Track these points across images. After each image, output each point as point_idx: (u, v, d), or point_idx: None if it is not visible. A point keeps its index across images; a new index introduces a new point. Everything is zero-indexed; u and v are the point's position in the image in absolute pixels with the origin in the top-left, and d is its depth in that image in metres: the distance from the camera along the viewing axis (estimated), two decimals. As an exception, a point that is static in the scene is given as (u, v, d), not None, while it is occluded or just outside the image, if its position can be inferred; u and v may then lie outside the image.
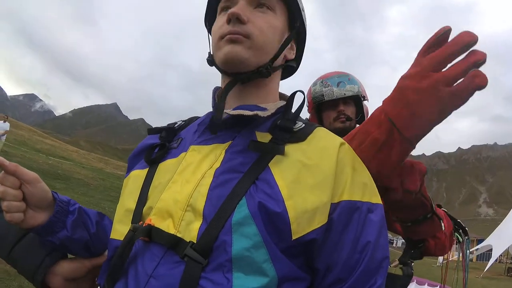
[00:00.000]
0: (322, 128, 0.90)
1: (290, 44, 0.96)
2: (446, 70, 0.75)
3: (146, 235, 0.76)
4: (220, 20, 0.90)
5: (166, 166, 0.89)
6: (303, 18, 0.98)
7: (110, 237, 0.89)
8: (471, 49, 0.72)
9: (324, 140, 0.84)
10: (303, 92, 0.92)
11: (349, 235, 0.75)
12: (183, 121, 1.06)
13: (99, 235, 0.99)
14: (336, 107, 1.81)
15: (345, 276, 0.74)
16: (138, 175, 0.94)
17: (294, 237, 0.71)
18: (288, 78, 1.08)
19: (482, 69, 0.68)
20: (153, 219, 0.78)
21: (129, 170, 1.01)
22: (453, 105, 0.75)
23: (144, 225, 0.78)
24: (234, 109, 0.86)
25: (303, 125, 0.87)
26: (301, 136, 0.83)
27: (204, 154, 0.85)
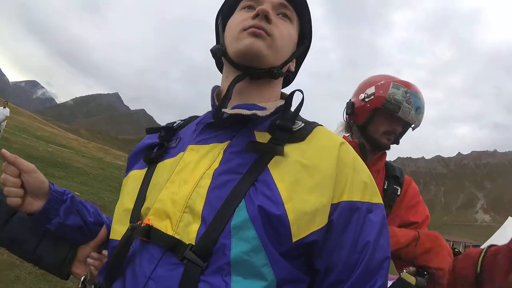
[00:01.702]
0: (322, 127, 0.90)
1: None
2: None
3: (144, 235, 0.77)
4: (244, 15, 0.91)
5: (164, 166, 0.90)
6: (311, 37, 1.03)
7: (110, 237, 0.92)
8: None
9: (323, 140, 0.84)
10: (301, 92, 0.92)
11: (348, 235, 0.76)
12: (182, 120, 1.08)
13: (97, 223, 1.08)
14: (396, 124, 1.69)
15: (345, 277, 0.74)
16: (137, 175, 0.96)
17: (294, 240, 0.71)
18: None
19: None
20: (151, 219, 0.79)
21: (128, 169, 1.04)
22: None
23: (142, 225, 0.79)
24: (233, 108, 0.86)
25: (303, 124, 0.87)
26: (300, 136, 0.83)
27: (202, 154, 0.84)
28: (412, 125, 1.71)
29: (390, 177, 1.75)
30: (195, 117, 1.07)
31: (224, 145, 0.84)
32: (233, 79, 0.89)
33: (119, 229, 0.87)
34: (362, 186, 0.80)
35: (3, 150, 0.94)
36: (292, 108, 0.93)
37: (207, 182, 0.78)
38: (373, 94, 1.69)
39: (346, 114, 1.86)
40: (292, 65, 1.01)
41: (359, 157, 0.87)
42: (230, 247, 0.69)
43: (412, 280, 1.27)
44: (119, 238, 0.83)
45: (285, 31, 0.91)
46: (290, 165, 0.77)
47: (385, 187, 1.73)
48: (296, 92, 0.93)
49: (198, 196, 0.76)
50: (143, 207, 0.84)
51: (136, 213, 0.84)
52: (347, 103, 1.86)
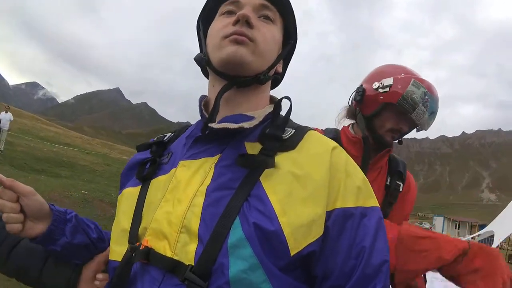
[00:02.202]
0: (314, 131, 0.88)
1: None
2: None
3: (144, 257, 0.76)
4: (224, 21, 0.88)
5: (158, 183, 0.89)
6: (297, 37, 0.99)
7: (109, 258, 0.91)
8: None
9: (315, 146, 0.83)
10: (289, 99, 0.90)
11: (344, 242, 0.75)
12: (172, 132, 1.05)
13: (100, 238, 1.06)
14: (404, 123, 1.57)
15: (342, 283, 0.74)
16: (131, 193, 0.94)
17: (292, 253, 0.71)
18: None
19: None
20: (149, 240, 0.78)
21: (122, 187, 1.02)
22: None
23: (141, 247, 0.78)
24: (220, 121, 0.85)
25: (293, 131, 0.86)
26: (291, 144, 0.82)
27: (194, 170, 0.83)
28: (418, 127, 1.60)
29: (394, 172, 1.65)
30: (186, 127, 1.05)
31: (215, 159, 0.83)
32: (219, 90, 0.86)
33: (118, 250, 0.87)
34: (356, 190, 0.79)
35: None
36: (283, 112, 0.92)
37: (200, 200, 0.76)
38: (389, 86, 1.52)
39: (354, 100, 1.68)
40: (279, 67, 0.98)
41: (351, 160, 0.86)
42: (228, 266, 0.69)
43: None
44: (119, 259, 0.83)
45: (268, 34, 0.88)
46: (282, 177, 0.76)
47: (388, 183, 1.63)
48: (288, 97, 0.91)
49: (193, 216, 0.75)
50: (140, 227, 0.84)
51: (134, 234, 0.84)
52: (358, 89, 1.67)
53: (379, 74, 1.62)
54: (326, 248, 0.75)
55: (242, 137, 0.85)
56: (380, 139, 1.60)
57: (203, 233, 0.73)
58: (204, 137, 0.86)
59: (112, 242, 0.91)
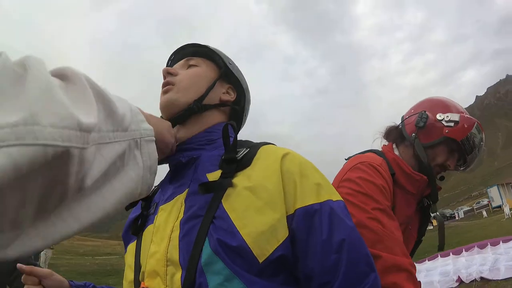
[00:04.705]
0: (267, 146, 0.93)
1: (226, 90, 1.08)
2: None
3: None
4: None
5: (147, 233, 0.95)
6: (229, 67, 1.08)
7: None
8: None
9: (266, 158, 0.87)
10: (232, 124, 0.94)
11: (316, 238, 0.77)
12: (156, 186, 1.11)
13: None
14: (454, 162, 1.55)
15: (330, 279, 0.76)
16: (131, 248, 1.01)
17: (261, 260, 0.74)
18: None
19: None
20: (146, 282, 0.85)
21: (125, 246, 1.09)
22: None
23: None
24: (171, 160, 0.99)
25: (247, 150, 0.90)
26: (246, 162, 0.87)
27: (169, 210, 0.90)
28: (458, 166, 1.62)
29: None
30: None
31: (184, 195, 0.89)
32: None
33: None
34: (315, 188, 0.82)
35: (19, 264, 1.09)
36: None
37: (176, 233, 0.83)
38: (456, 122, 1.51)
39: (416, 125, 1.55)
40: (225, 96, 1.06)
41: (307, 161, 0.89)
42: (207, 284, 0.74)
43: None
44: None
45: (190, 73, 1.02)
46: (239, 194, 0.81)
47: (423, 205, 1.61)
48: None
49: (173, 248, 0.81)
50: (140, 273, 0.90)
51: (137, 282, 0.90)
52: (421, 114, 1.57)
53: (443, 105, 1.59)
54: (298, 250, 0.78)
55: (203, 169, 0.92)
56: (430, 171, 1.53)
57: (183, 261, 0.79)
58: (172, 177, 0.98)
59: None
